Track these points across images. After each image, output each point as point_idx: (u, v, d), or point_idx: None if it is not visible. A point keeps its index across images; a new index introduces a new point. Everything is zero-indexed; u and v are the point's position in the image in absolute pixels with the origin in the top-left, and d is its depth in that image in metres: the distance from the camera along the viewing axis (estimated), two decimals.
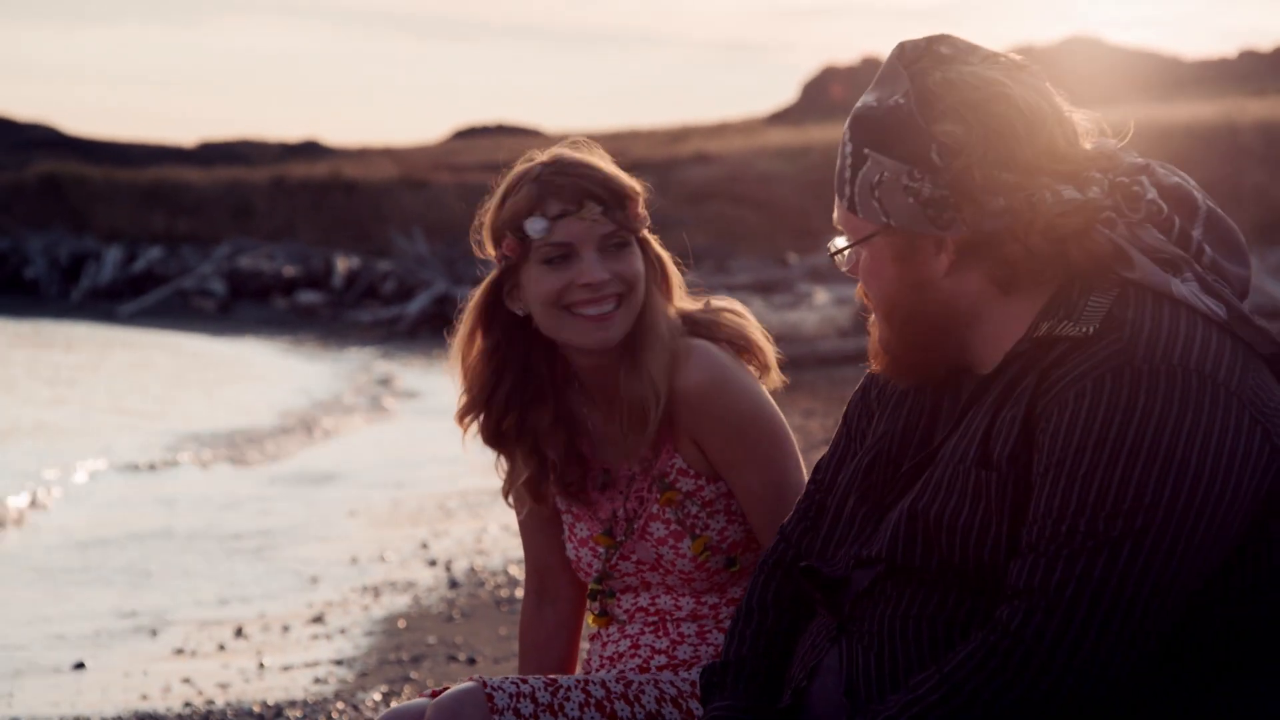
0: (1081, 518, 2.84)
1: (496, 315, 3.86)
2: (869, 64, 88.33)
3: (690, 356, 3.78)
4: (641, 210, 3.82)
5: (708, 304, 3.92)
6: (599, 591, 3.94)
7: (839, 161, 3.09)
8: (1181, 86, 72.76)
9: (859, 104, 3.07)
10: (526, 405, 3.88)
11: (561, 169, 3.78)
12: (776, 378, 3.90)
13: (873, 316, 3.17)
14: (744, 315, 3.91)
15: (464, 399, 3.90)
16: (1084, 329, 2.94)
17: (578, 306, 3.75)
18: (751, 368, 3.87)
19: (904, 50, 3.08)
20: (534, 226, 3.75)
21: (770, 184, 47.86)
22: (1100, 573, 2.82)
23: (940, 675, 2.90)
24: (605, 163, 3.83)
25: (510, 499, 3.99)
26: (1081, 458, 2.86)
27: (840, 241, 3.14)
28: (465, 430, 3.93)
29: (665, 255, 3.89)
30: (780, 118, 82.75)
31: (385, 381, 24.34)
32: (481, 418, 3.90)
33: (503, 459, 3.95)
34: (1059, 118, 3.01)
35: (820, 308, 25.14)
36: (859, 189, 3.04)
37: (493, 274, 3.85)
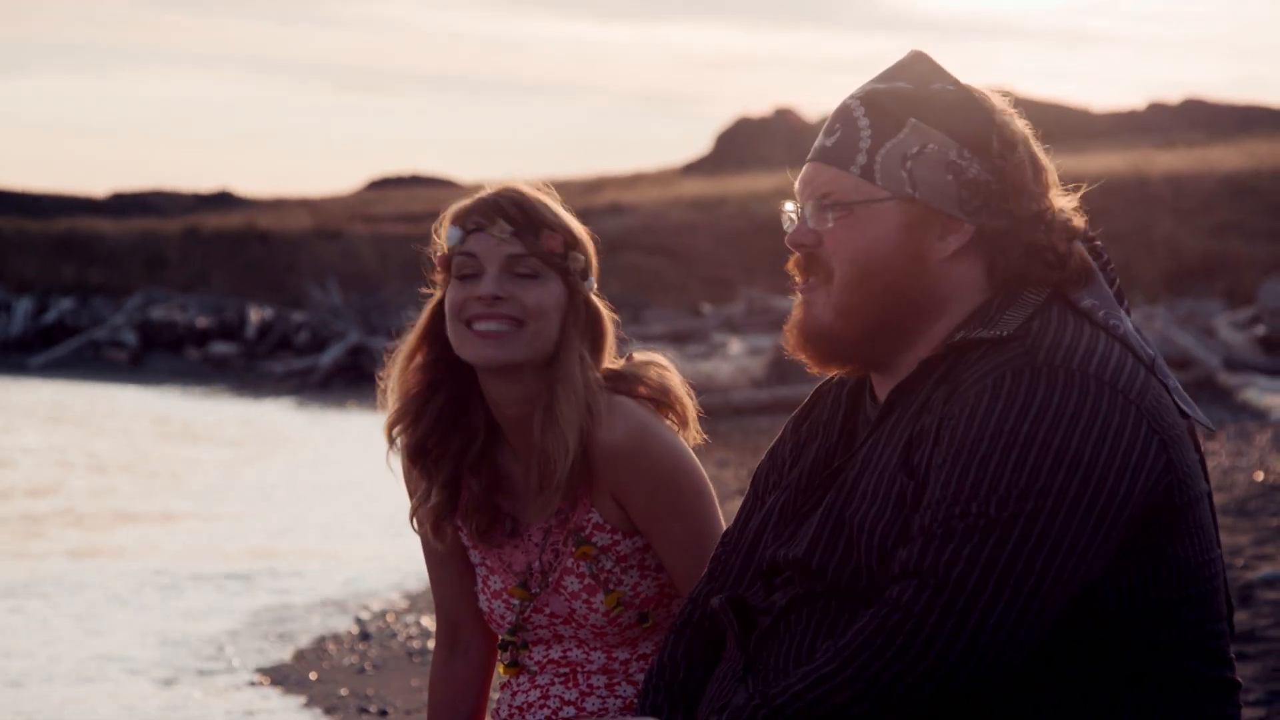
0: (974, 501, 2.90)
1: (438, 333, 3.87)
2: (782, 115, 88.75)
3: (611, 412, 3.78)
4: (560, 248, 3.79)
5: (630, 358, 3.92)
6: (511, 642, 3.93)
7: (843, 132, 3.11)
8: (1091, 138, 73.39)
9: (879, 86, 3.12)
10: (454, 430, 3.86)
11: (496, 191, 3.82)
12: (695, 434, 3.89)
13: (800, 295, 3.18)
14: (668, 369, 3.91)
15: (395, 407, 3.89)
16: (995, 332, 3.03)
17: (474, 321, 3.76)
18: (670, 422, 3.86)
19: (920, 54, 3.18)
20: (450, 234, 3.80)
21: (685, 235, 48.01)
22: (990, 553, 2.87)
23: (836, 649, 2.92)
24: (548, 200, 3.84)
25: (415, 523, 3.95)
26: (978, 446, 2.92)
27: (831, 199, 3.12)
28: (392, 441, 3.90)
29: (605, 313, 3.87)
30: (694, 168, 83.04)
31: None
32: (409, 429, 3.88)
33: (417, 477, 3.92)
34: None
35: (734, 358, 25.19)
36: (886, 156, 3.08)
37: (437, 294, 3.88)
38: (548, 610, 3.87)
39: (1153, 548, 2.99)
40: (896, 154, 3.07)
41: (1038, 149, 3.14)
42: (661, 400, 3.85)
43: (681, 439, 3.85)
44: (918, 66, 3.16)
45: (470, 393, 3.87)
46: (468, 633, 4.04)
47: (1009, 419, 2.91)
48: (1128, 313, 3.17)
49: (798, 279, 3.19)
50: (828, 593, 3.08)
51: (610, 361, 3.89)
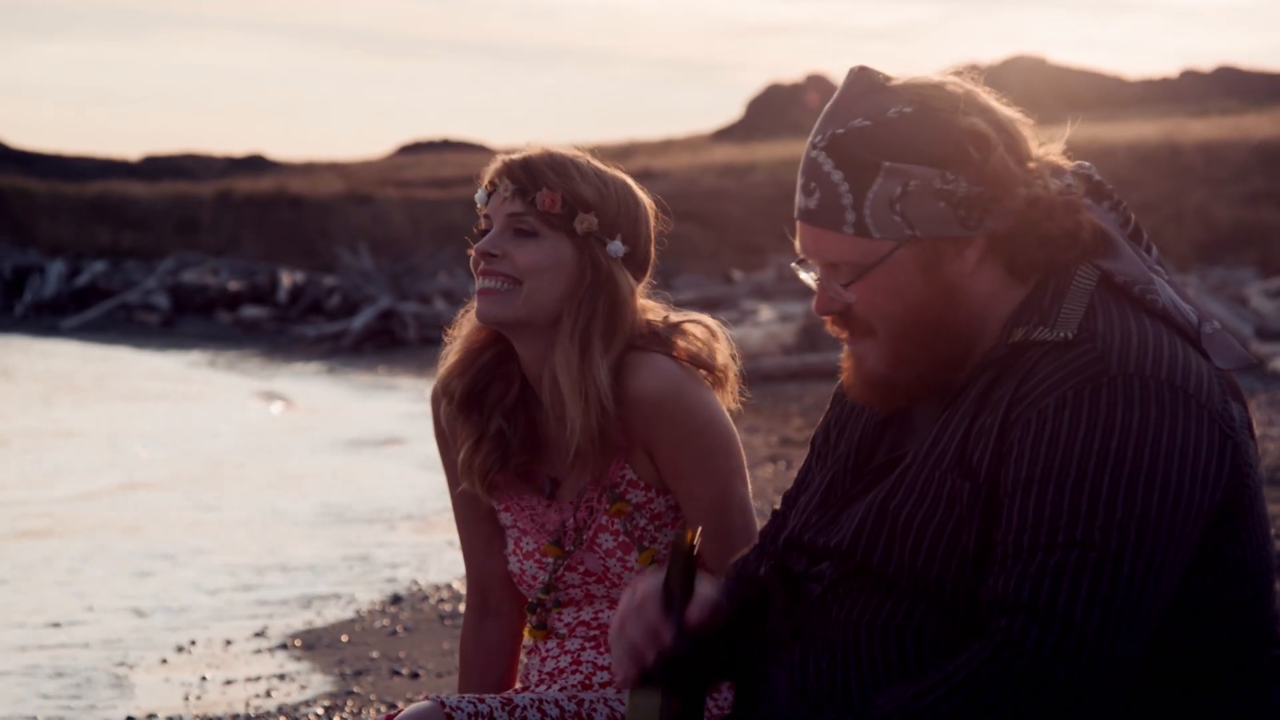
0: (1075, 528, 2.85)
1: None
2: (814, 81, 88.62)
3: (643, 365, 3.80)
4: (558, 207, 3.81)
5: (666, 319, 3.92)
6: (542, 602, 3.94)
7: (821, 191, 3.02)
8: (1124, 106, 73.16)
9: (838, 130, 3.01)
10: (498, 379, 3.92)
11: (522, 153, 3.87)
12: (731, 399, 3.91)
13: (848, 348, 3.13)
14: (710, 330, 3.93)
15: (453, 360, 3.94)
16: (1060, 334, 2.97)
17: (479, 278, 3.85)
18: (707, 380, 3.89)
19: (862, 74, 3.07)
20: (478, 196, 3.89)
21: (715, 201, 47.96)
22: (1093, 583, 2.83)
23: (941, 676, 2.88)
24: (575, 160, 3.84)
25: (461, 476, 3.95)
26: (1068, 468, 2.87)
27: (839, 272, 3.05)
28: (450, 394, 3.93)
29: (624, 280, 3.84)
30: (725, 134, 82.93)
31: None
32: (462, 377, 3.93)
33: (468, 428, 3.93)
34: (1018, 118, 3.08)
35: (764, 324, 25.16)
36: (873, 207, 2.99)
37: None
38: (582, 568, 3.89)
39: (1212, 553, 2.97)
40: (882, 201, 2.99)
41: (1003, 116, 3.05)
42: (698, 360, 3.87)
43: (716, 398, 3.87)
44: (867, 92, 3.04)
45: (513, 349, 3.93)
46: (498, 597, 4.07)
47: (1095, 439, 2.87)
48: (1148, 250, 3.12)
49: (841, 336, 3.14)
50: (875, 573, 3.06)
51: (652, 316, 3.90)
